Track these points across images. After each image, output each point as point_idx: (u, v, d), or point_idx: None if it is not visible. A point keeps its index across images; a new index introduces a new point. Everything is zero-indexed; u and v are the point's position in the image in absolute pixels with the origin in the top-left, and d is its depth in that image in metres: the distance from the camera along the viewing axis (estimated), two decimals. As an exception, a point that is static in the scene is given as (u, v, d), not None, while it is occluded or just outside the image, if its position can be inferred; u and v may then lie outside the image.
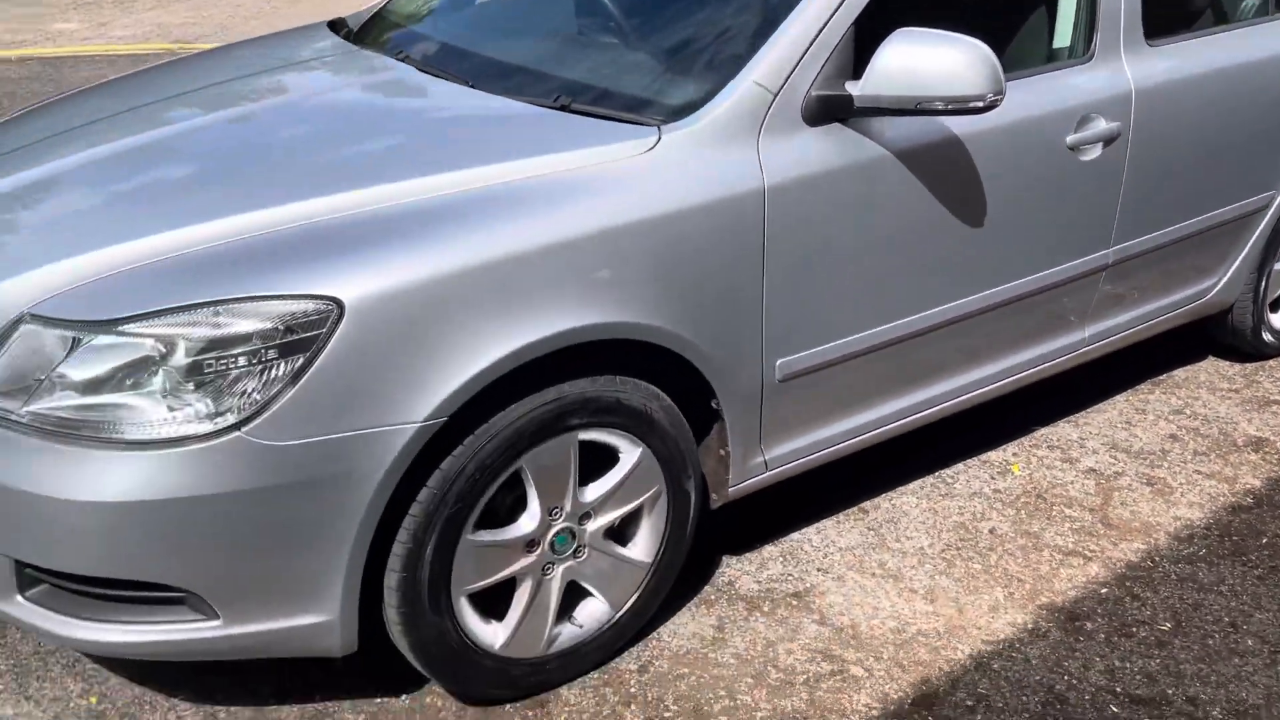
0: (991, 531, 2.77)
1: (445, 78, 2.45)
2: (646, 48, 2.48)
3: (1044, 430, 3.23)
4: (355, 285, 1.79)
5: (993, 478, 2.99)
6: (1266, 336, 3.63)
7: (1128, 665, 2.35)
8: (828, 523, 2.79)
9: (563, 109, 2.24)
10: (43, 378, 1.81)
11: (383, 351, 1.79)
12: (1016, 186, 2.54)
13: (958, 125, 2.40)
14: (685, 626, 2.41)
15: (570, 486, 2.08)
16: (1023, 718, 2.20)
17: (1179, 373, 3.60)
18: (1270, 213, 3.32)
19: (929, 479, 2.97)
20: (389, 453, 1.82)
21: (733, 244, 2.12)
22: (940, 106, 2.15)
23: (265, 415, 1.75)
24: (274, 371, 1.75)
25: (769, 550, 2.68)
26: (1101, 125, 2.67)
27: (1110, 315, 3.01)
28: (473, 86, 2.38)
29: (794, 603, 2.49)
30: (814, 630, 2.41)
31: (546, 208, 1.96)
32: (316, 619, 1.90)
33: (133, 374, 1.77)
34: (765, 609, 2.47)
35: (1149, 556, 2.70)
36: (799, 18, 2.22)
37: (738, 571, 2.60)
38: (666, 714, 2.18)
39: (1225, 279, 3.31)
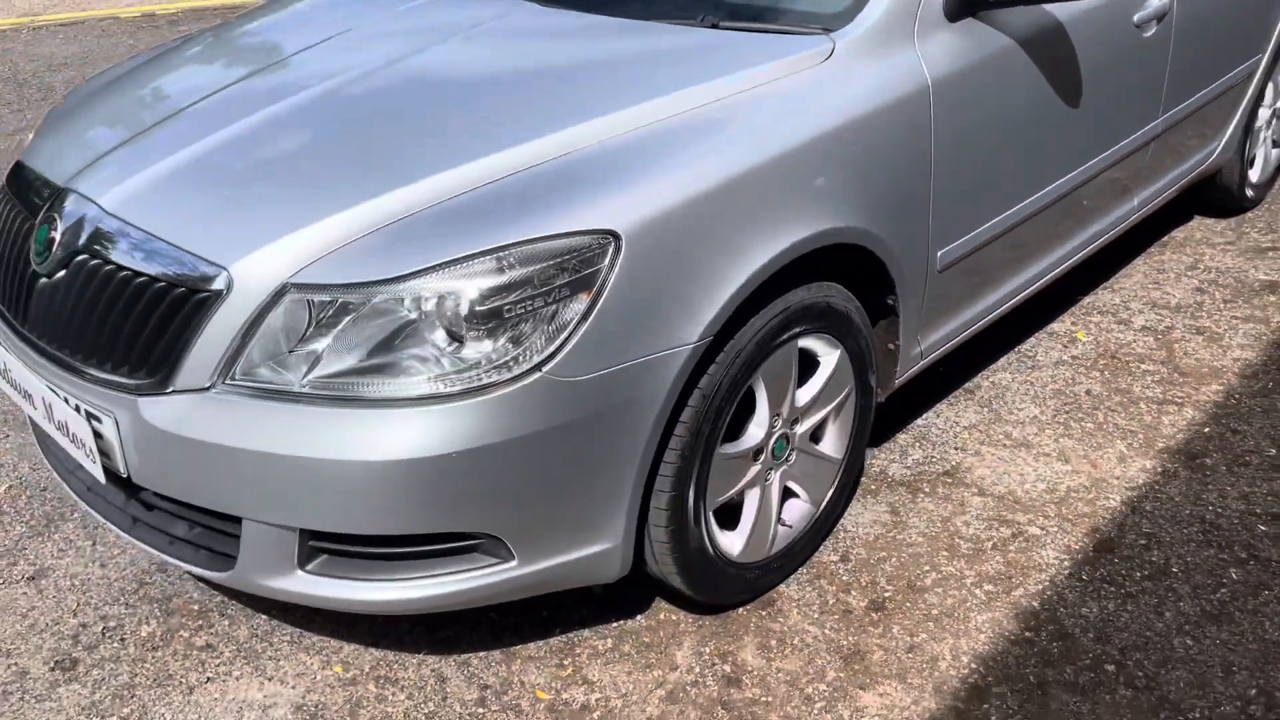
0: (1088, 393, 2.99)
1: (577, 9, 2.45)
2: None
3: (1087, 299, 3.47)
4: (626, 216, 1.81)
5: (1065, 347, 3.22)
6: (1248, 191, 3.97)
7: (1256, 490, 2.61)
8: (942, 406, 2.95)
9: (713, 27, 2.28)
10: (318, 346, 1.78)
11: (655, 278, 1.83)
12: (1104, 65, 2.73)
13: (1060, 11, 2.55)
14: (862, 517, 2.54)
15: (790, 394, 2.17)
16: (1190, 547, 2.43)
17: (1177, 234, 3.90)
18: (1257, 75, 3.62)
19: (1012, 355, 3.17)
20: (668, 376, 1.87)
21: (910, 141, 2.22)
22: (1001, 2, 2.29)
23: (563, 353, 1.77)
24: (566, 309, 1.77)
25: (903, 438, 2.83)
26: (1156, 3, 2.86)
27: (1151, 183, 3.26)
28: (613, 15, 2.39)
29: (949, 480, 2.66)
30: (978, 502, 2.59)
31: (766, 121, 2.01)
32: (601, 546, 1.95)
33: (420, 330, 1.76)
34: (926, 490, 2.63)
35: (1230, 395, 2.97)
36: None
37: (885, 461, 2.74)
38: (885, 594, 2.32)
39: (1224, 139, 3.60)
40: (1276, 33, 3.65)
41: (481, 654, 2.19)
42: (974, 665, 2.14)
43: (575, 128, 1.96)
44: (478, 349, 1.76)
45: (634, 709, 2.06)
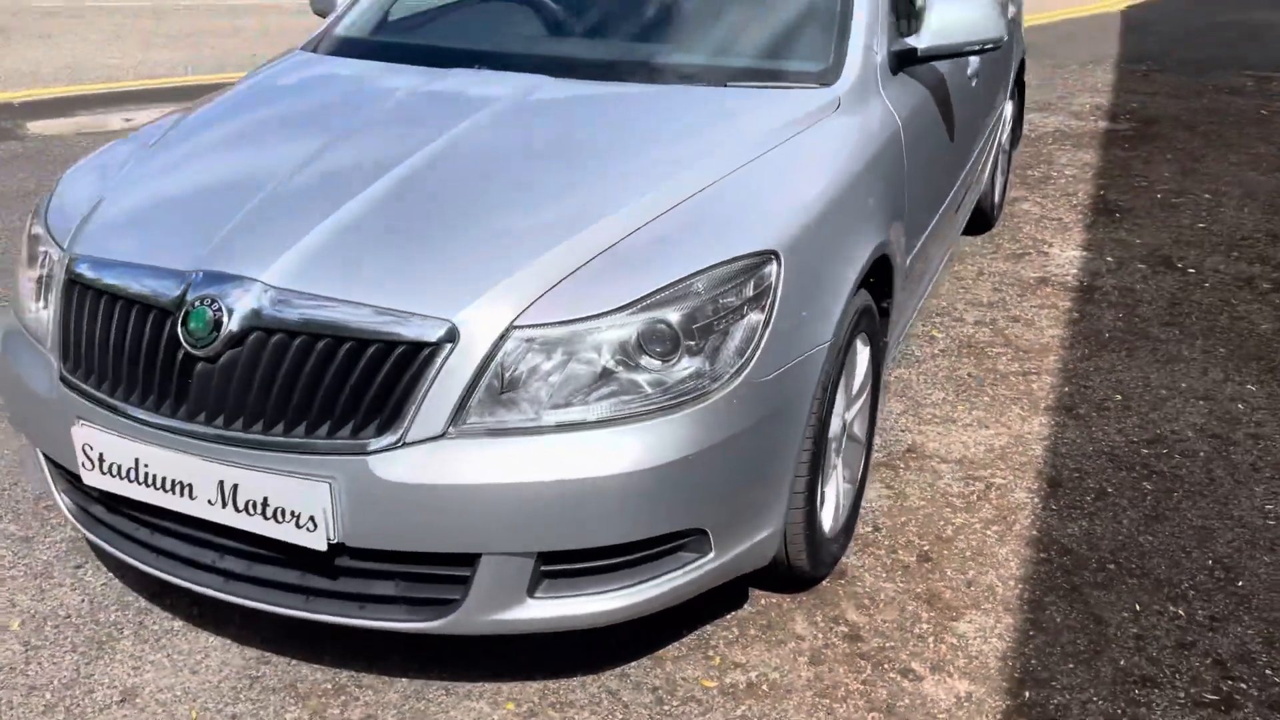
0: (969, 375, 3.63)
1: (594, 80, 2.72)
2: (727, 30, 2.93)
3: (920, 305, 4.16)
4: (778, 237, 2.13)
5: (929, 344, 3.85)
6: (995, 211, 4.90)
7: (1125, 425, 3.33)
8: (869, 401, 3.46)
9: (723, 86, 2.66)
10: (547, 380, 1.93)
11: (802, 287, 2.16)
12: (963, 102, 3.40)
13: (942, 66, 3.18)
14: (868, 495, 2.97)
15: (849, 385, 2.56)
16: (1108, 473, 3.07)
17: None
18: (998, 117, 4.54)
19: (896, 355, 3.75)
20: (814, 372, 2.20)
21: (897, 167, 2.71)
22: (975, 49, 2.89)
23: (755, 359, 2.05)
24: (752, 320, 2.05)
25: (856, 430, 3.29)
26: (975, 61, 3.60)
27: (972, 194, 4.01)
28: (631, 82, 2.69)
29: (914, 456, 3.15)
30: (946, 468, 3.10)
31: (829, 153, 2.43)
32: (766, 533, 2.22)
33: (637, 355, 1.97)
34: (902, 466, 3.10)
35: (1066, 362, 3.72)
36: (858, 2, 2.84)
37: (855, 449, 3.19)
38: (924, 548, 2.75)
39: (989, 167, 4.47)
40: (1011, 72, 4.60)
41: (632, 664, 2.36)
42: (1021, 586, 2.62)
43: (689, 172, 2.26)
44: (688, 364, 1.99)
45: (791, 676, 2.33)
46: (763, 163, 2.33)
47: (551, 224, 2.11)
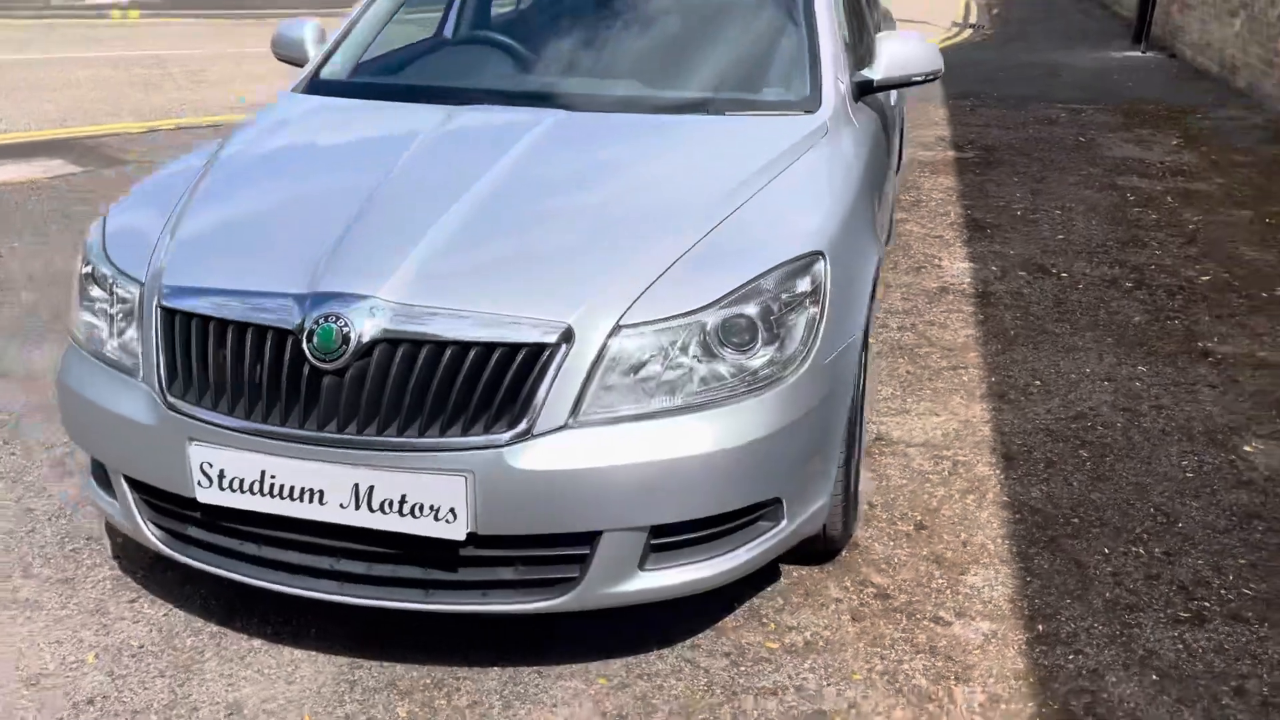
0: (908, 372, 4.04)
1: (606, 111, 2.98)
2: (718, 66, 3.25)
3: (845, 316, 4.56)
4: (822, 238, 2.45)
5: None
6: (892, 230, 5.37)
7: (1050, 405, 3.79)
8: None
9: (720, 114, 2.98)
10: (652, 370, 2.18)
11: (840, 284, 2.48)
12: (890, 128, 3.83)
13: (882, 94, 3.59)
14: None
15: (856, 374, 2.90)
16: (1050, 446, 3.51)
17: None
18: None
19: (839, 359, 4.12)
20: (855, 356, 2.51)
21: (870, 177, 3.07)
22: (920, 79, 3.31)
23: (817, 344, 2.35)
24: (812, 311, 2.35)
25: (826, 425, 3.63)
26: (895, 94, 4.05)
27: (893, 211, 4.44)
28: (639, 113, 2.97)
29: (884, 444, 3.51)
30: (915, 451, 3.47)
31: (840, 168, 2.78)
32: (823, 500, 2.51)
33: (723, 346, 2.23)
34: (875, 453, 3.45)
35: (985, 356, 4.19)
36: (825, 35, 3.21)
37: (832, 441, 3.52)
38: (918, 519, 3.09)
39: (889, 192, 4.93)
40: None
41: (699, 636, 2.59)
42: (1008, 542, 2.99)
43: (729, 187, 2.55)
44: (764, 352, 2.27)
45: (840, 630, 2.62)
46: (787, 177, 2.65)
47: (627, 235, 2.36)
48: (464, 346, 2.12)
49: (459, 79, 3.32)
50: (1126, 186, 6.71)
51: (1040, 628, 2.65)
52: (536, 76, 3.34)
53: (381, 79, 3.41)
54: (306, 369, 2.15)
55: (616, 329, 2.17)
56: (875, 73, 3.25)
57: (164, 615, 2.64)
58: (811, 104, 3.06)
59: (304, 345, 2.14)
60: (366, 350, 2.13)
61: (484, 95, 3.11)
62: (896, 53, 3.25)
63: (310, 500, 2.16)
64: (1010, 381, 3.97)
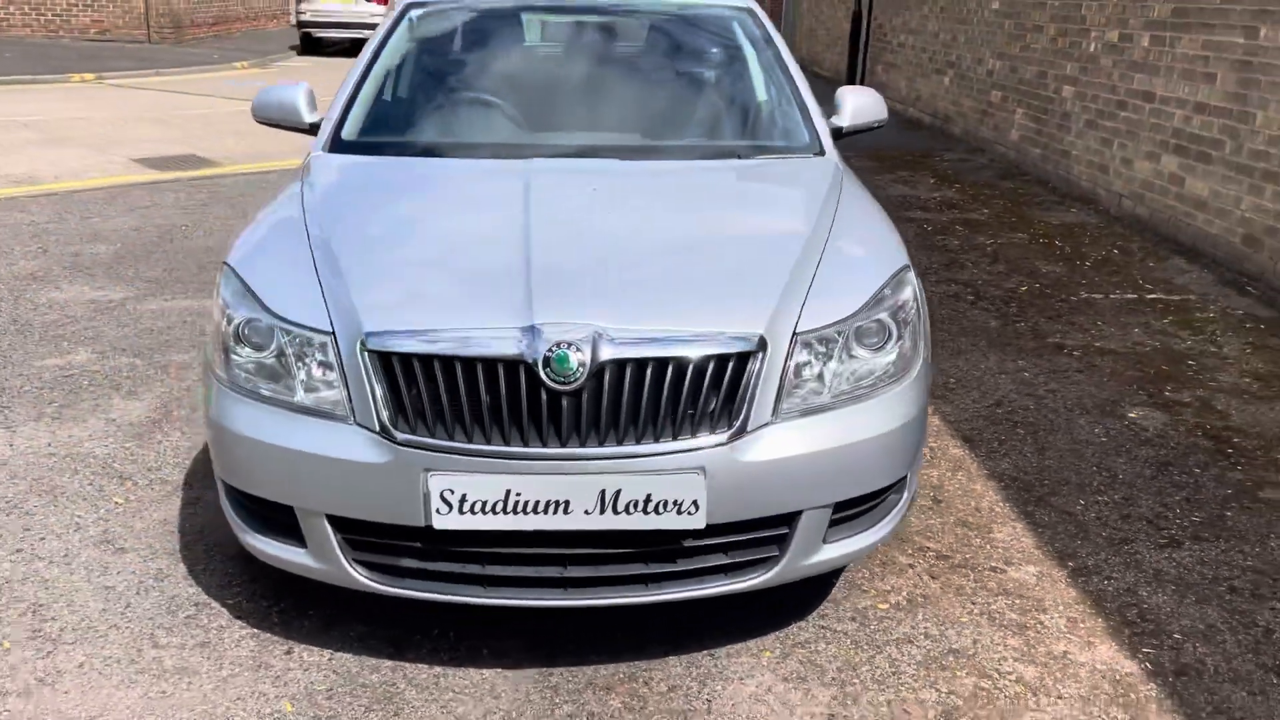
0: (847, 382, 4.59)
1: (648, 159, 3.34)
2: (731, 118, 3.67)
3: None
4: (906, 255, 2.92)
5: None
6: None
7: (979, 401, 4.46)
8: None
9: (738, 158, 3.43)
10: (827, 369, 2.56)
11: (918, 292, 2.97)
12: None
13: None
14: (858, 469, 3.78)
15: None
16: (996, 428, 4.16)
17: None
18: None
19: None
20: (929, 354, 3.01)
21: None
22: (875, 126, 3.90)
23: (922, 343, 2.81)
24: (917, 316, 2.81)
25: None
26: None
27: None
28: (678, 159, 3.34)
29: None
30: (892, 443, 4.00)
31: (865, 198, 3.25)
32: (916, 479, 2.97)
33: (870, 343, 2.65)
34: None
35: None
36: (803, 87, 3.74)
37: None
38: (931, 494, 3.62)
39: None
40: None
41: (819, 609, 2.97)
42: (1010, 504, 3.58)
43: (811, 216, 2.98)
44: (894, 349, 2.71)
45: (927, 587, 3.07)
46: (846, 208, 3.12)
47: (760, 258, 2.75)
48: (682, 361, 2.41)
49: (504, 136, 3.56)
50: (919, 219, 7.70)
51: (1071, 564, 3.23)
52: (577, 133, 3.61)
53: (418, 137, 3.58)
54: (544, 393, 2.36)
55: (794, 336, 2.54)
56: (843, 120, 3.80)
57: (329, 659, 2.70)
58: (816, 148, 3.56)
59: (540, 372, 2.36)
60: (598, 371, 2.38)
61: (542, 149, 3.39)
62: (858, 103, 3.81)
63: (555, 511, 2.37)
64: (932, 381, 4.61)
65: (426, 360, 2.41)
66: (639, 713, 2.54)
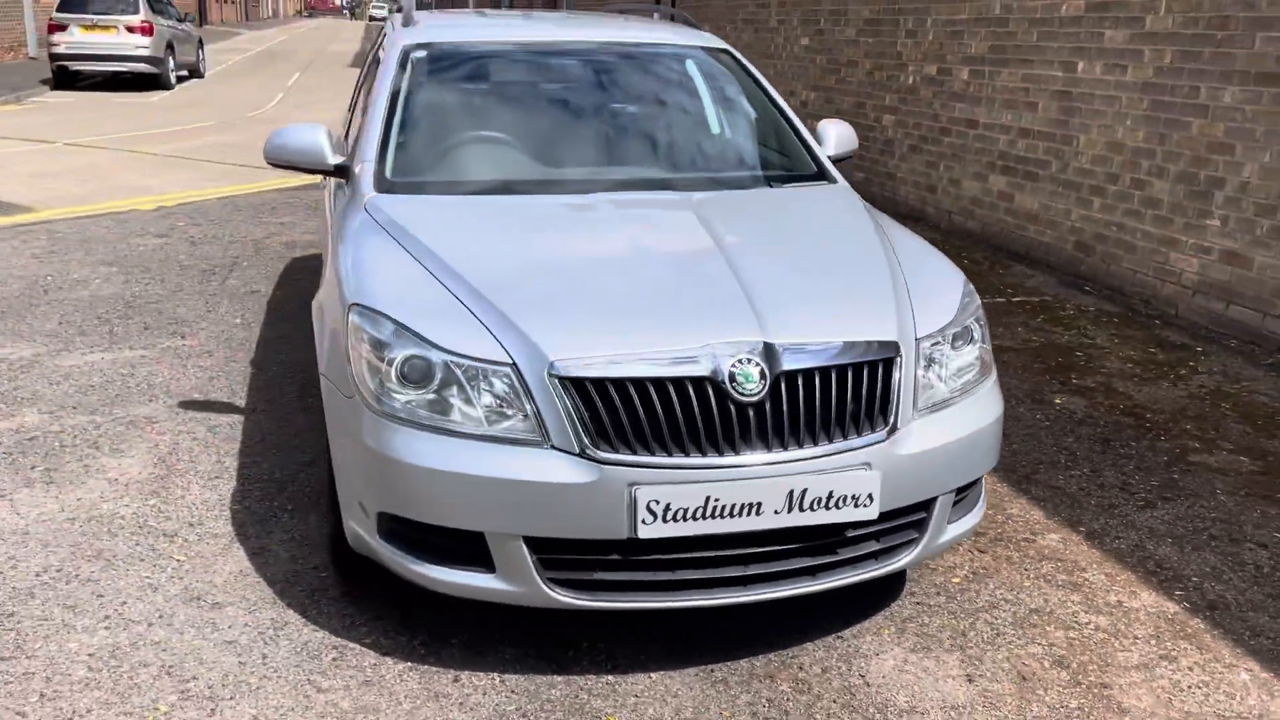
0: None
1: (702, 190, 3.60)
2: (721, 151, 3.96)
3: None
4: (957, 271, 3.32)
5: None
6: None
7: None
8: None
9: (768, 185, 3.75)
10: (942, 369, 2.90)
11: (965, 301, 3.36)
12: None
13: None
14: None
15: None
16: (953, 422, 4.66)
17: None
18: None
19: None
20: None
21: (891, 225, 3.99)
22: (850, 156, 4.32)
23: (989, 344, 3.21)
24: (982, 320, 3.21)
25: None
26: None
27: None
28: (714, 190, 3.63)
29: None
30: (880, 441, 4.42)
31: (888, 219, 3.63)
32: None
33: (958, 343, 2.99)
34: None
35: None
36: (796, 119, 4.11)
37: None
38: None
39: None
40: None
41: (908, 591, 3.30)
42: (1006, 485, 4.04)
43: (869, 234, 3.33)
44: (977, 350, 3.08)
45: (981, 561, 3.47)
46: (887, 228, 3.49)
47: (855, 273, 3.06)
48: (844, 367, 2.69)
49: (559, 173, 3.70)
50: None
51: (1082, 529, 3.72)
52: (617, 168, 3.77)
53: (469, 176, 3.65)
54: (732, 405, 2.58)
55: (917, 341, 2.87)
56: (829, 149, 4.17)
57: (500, 681, 2.79)
58: (826, 176, 3.92)
59: (727, 386, 2.58)
60: (775, 382, 2.62)
61: (600, 184, 3.59)
62: (838, 134, 4.20)
63: (748, 514, 2.58)
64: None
65: (619, 383, 2.57)
66: (809, 693, 2.78)
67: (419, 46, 4.11)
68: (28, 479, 3.86)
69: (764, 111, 4.22)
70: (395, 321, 2.76)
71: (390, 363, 2.71)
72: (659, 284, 2.87)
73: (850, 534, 2.76)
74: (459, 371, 2.65)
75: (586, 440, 2.56)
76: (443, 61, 4.07)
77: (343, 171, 3.75)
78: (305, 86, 20.87)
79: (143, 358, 5.19)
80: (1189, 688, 2.86)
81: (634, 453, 2.56)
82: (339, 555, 3.13)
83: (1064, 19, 7.21)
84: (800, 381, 2.65)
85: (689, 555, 2.65)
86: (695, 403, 2.58)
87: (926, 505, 2.86)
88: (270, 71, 24.79)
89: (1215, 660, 2.98)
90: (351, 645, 2.92)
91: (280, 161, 3.77)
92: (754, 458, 2.59)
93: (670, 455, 2.56)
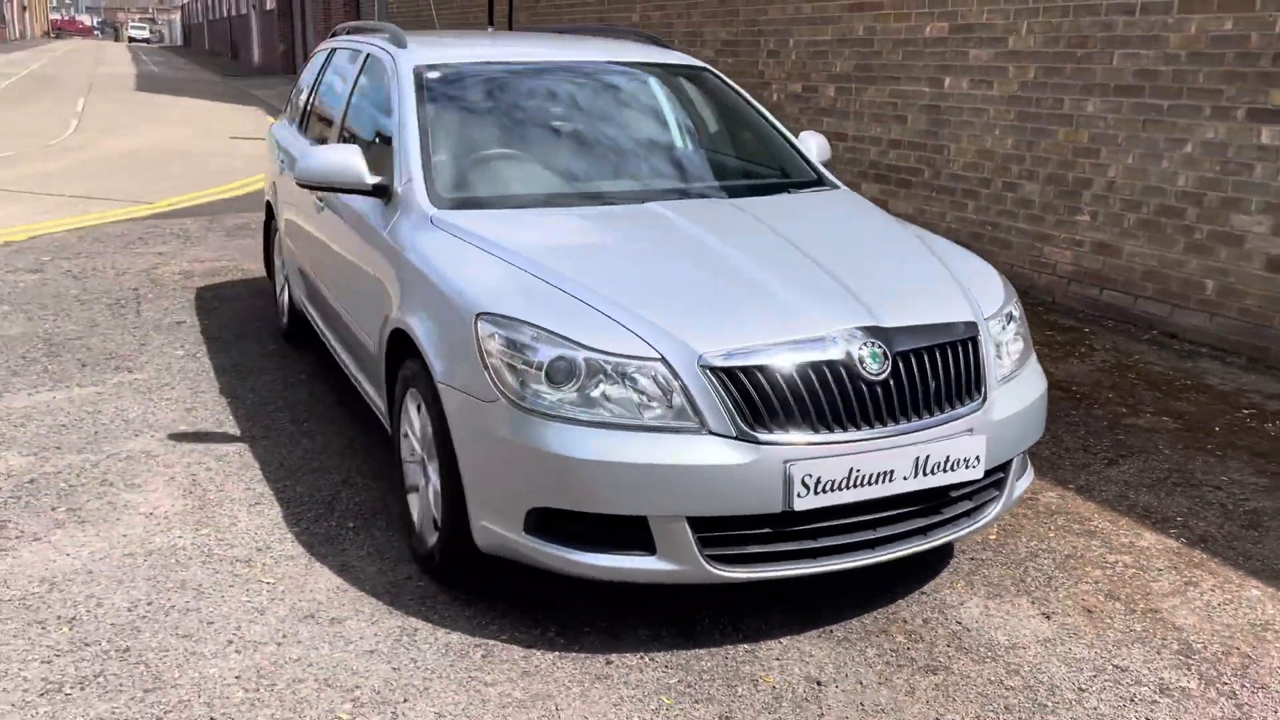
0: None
1: (739, 196, 3.88)
2: (725, 162, 4.25)
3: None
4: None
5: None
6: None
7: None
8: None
9: (786, 191, 4.08)
10: (1005, 349, 3.28)
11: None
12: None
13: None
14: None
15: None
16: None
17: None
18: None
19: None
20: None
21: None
22: (827, 162, 4.70)
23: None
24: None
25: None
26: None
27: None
28: (749, 196, 3.91)
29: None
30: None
31: (904, 221, 4.03)
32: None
33: (1009, 325, 3.40)
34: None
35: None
36: (783, 129, 4.46)
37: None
38: (931, 457, 4.46)
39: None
40: None
41: (971, 551, 3.67)
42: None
43: (899, 232, 3.70)
44: (1023, 330, 3.48)
45: (1021, 519, 3.90)
46: (905, 223, 3.86)
47: (913, 264, 3.41)
48: (945, 344, 3.03)
49: (607, 186, 3.90)
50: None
51: (1072, 486, 4.20)
52: (651, 179, 3.98)
53: (521, 190, 3.80)
54: (863, 384, 2.87)
55: (985, 321, 3.24)
56: (814, 156, 4.53)
57: (650, 659, 2.96)
58: (826, 182, 4.26)
59: (859, 368, 2.87)
60: (894, 361, 2.93)
61: (650, 194, 3.82)
62: (818, 144, 4.56)
63: (883, 481, 2.87)
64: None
65: (765, 369, 2.82)
66: (924, 641, 3.09)
67: (430, 68, 4.20)
68: (54, 520, 3.71)
69: (756, 124, 4.54)
70: (534, 326, 2.90)
71: (537, 366, 2.85)
72: (761, 277, 3.13)
73: (952, 495, 3.10)
74: (608, 368, 2.82)
75: (742, 424, 2.79)
76: (460, 81, 4.18)
77: (380, 191, 3.80)
78: (99, 113, 19.74)
79: (99, 394, 4.99)
80: (1218, 605, 3.34)
81: (785, 432, 2.81)
82: (446, 563, 3.21)
83: (928, 39, 7.90)
84: (913, 359, 2.97)
85: (828, 524, 2.92)
86: (833, 384, 2.85)
87: (1004, 466, 3.23)
88: (52, 97, 23.27)
89: (1228, 582, 3.48)
90: (492, 643, 3.02)
91: (315, 183, 3.80)
92: (885, 430, 2.89)
93: (817, 432, 2.82)
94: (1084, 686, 2.90)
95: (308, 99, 5.50)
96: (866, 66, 8.55)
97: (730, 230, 3.50)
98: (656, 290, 3.06)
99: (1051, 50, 6.93)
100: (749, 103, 4.66)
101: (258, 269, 7.61)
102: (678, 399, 2.81)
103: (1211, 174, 6.03)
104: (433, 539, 3.29)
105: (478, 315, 2.99)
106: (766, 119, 4.58)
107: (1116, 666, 3.00)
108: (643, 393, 2.82)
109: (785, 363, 2.84)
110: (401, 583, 3.34)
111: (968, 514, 3.18)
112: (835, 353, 2.88)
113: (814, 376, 2.85)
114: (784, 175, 4.32)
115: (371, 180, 3.79)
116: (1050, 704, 2.82)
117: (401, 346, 3.47)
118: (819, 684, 2.88)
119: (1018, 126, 7.24)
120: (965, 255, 3.70)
